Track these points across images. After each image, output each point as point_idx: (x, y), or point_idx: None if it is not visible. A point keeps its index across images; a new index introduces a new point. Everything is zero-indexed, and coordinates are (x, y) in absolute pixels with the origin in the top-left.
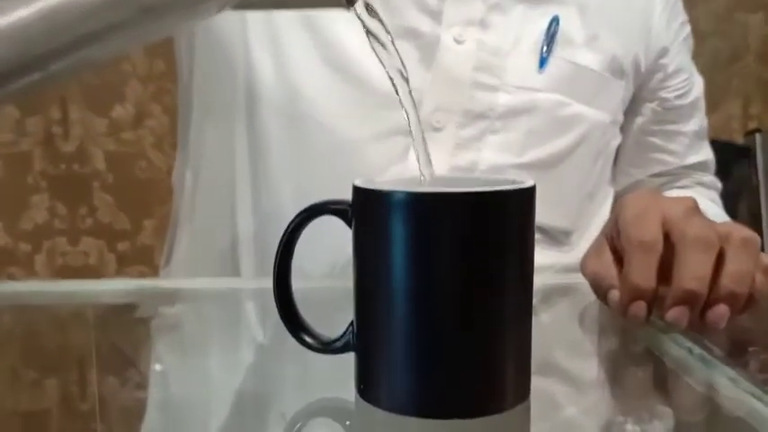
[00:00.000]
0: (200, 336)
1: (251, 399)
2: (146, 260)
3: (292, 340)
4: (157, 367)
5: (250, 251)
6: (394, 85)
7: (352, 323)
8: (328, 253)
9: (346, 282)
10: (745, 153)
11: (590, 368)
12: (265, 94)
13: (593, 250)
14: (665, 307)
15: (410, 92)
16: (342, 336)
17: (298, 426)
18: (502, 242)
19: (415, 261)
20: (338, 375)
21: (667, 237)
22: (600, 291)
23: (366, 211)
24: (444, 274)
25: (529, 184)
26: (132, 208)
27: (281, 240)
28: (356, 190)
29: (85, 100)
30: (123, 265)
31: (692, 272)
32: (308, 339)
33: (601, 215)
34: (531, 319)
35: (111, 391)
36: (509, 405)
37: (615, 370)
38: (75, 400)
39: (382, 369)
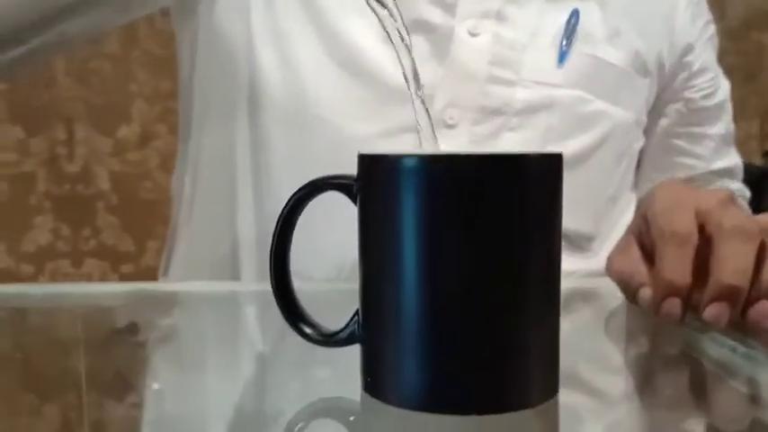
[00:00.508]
0: (197, 346)
1: (251, 407)
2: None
3: (294, 347)
4: (154, 385)
5: (251, 256)
6: (406, 79)
7: (356, 312)
8: (333, 256)
9: (354, 284)
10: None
11: (618, 378)
12: (269, 92)
13: (620, 248)
14: (702, 304)
15: (421, 87)
16: (346, 326)
17: (299, 425)
18: (527, 213)
19: (430, 236)
20: (343, 386)
21: (702, 229)
22: (629, 290)
23: (373, 182)
24: (462, 250)
25: (556, 151)
26: (136, 229)
27: (278, 221)
28: (363, 159)
29: (91, 120)
30: None
31: (733, 265)
32: (308, 331)
33: (623, 222)
34: (558, 303)
35: (103, 409)
36: (536, 400)
37: (647, 377)
38: (72, 423)
39: (392, 360)
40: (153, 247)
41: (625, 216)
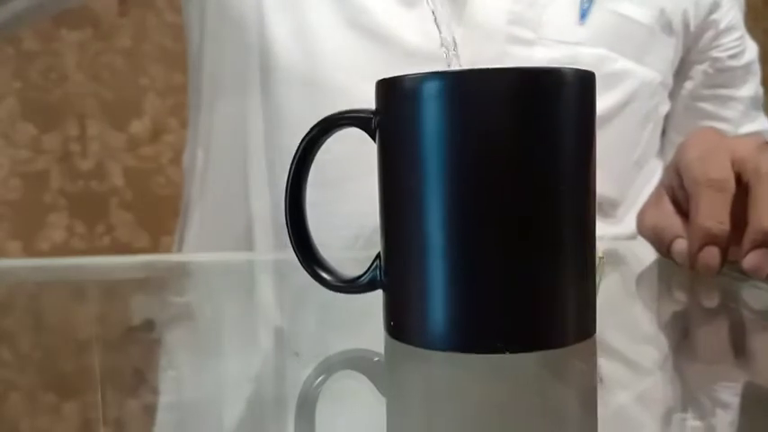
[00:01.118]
0: (214, 317)
1: (270, 375)
2: None
3: (312, 321)
4: (169, 371)
5: (266, 230)
6: (444, 45)
7: (377, 257)
8: (350, 225)
9: (371, 251)
10: None
11: (655, 339)
12: (282, 60)
13: (651, 202)
14: (741, 252)
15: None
16: (367, 271)
17: (322, 377)
18: (563, 133)
19: (460, 162)
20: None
21: (738, 178)
22: (662, 244)
23: (396, 109)
24: (495, 175)
25: (589, 70)
26: (151, 225)
27: (293, 161)
28: (383, 84)
29: (103, 115)
30: None
31: None
32: (326, 277)
33: (649, 189)
34: (594, 238)
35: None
36: (571, 339)
37: (685, 334)
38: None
39: (418, 299)
40: (167, 243)
41: (651, 183)
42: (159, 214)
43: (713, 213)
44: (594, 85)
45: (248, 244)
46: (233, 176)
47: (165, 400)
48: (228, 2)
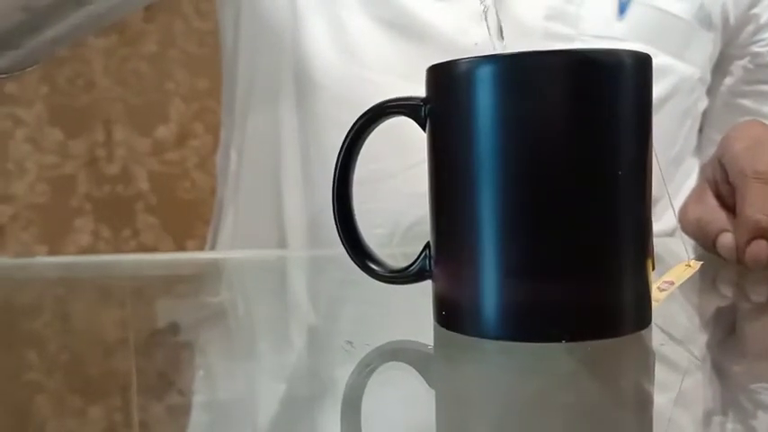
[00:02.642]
0: (254, 320)
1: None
2: None
3: (356, 314)
4: (200, 371)
5: (300, 229)
6: (488, 25)
7: (426, 246)
8: (386, 223)
9: (406, 248)
10: None
11: (702, 336)
12: (317, 60)
13: (694, 197)
14: None
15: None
16: (416, 261)
17: (371, 366)
18: (620, 114)
19: (512, 149)
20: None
21: None
22: (707, 238)
23: (449, 95)
24: (548, 163)
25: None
26: (176, 229)
27: (340, 151)
28: (434, 71)
29: (129, 120)
30: None
31: None
32: (375, 268)
33: (687, 187)
34: (650, 223)
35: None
36: (627, 329)
37: (732, 329)
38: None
39: (471, 287)
40: (192, 247)
41: (689, 181)
42: (184, 219)
43: (762, 206)
44: (651, 67)
45: (281, 243)
46: (266, 176)
47: (199, 399)
48: (263, 5)
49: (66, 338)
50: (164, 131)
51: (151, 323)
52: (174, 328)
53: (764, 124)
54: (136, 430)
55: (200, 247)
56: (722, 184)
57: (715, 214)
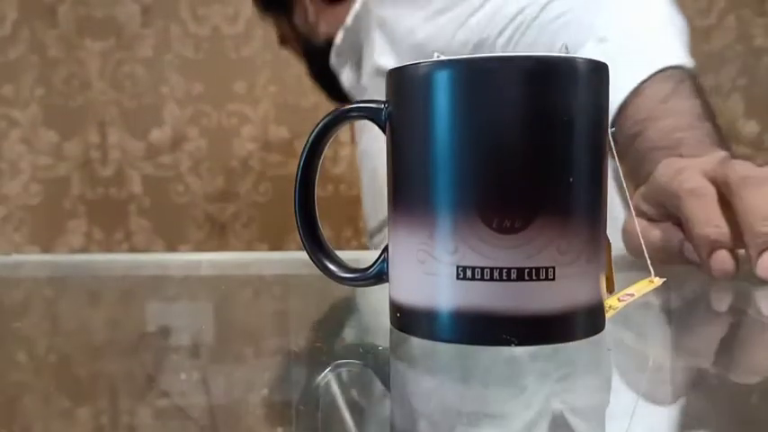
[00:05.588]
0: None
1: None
2: None
3: (315, 317)
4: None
5: None
6: None
7: (386, 249)
8: None
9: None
10: None
11: (657, 340)
12: None
13: (633, 226)
14: (750, 260)
15: None
16: (375, 263)
17: (326, 371)
18: (569, 120)
19: (467, 150)
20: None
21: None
22: (672, 250)
23: (407, 97)
24: (501, 166)
25: (602, 61)
26: (168, 233)
27: (304, 149)
28: (392, 74)
29: (124, 123)
30: None
31: (763, 212)
32: (333, 268)
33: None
34: (605, 226)
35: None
36: (580, 334)
37: (684, 339)
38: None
39: (422, 292)
40: (184, 251)
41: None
42: (177, 222)
43: (706, 219)
44: (608, 74)
45: None
46: None
47: (175, 404)
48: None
49: (53, 340)
50: (158, 135)
51: (139, 325)
52: (159, 331)
53: (680, 158)
54: None
55: (192, 252)
56: (659, 218)
57: (670, 231)
